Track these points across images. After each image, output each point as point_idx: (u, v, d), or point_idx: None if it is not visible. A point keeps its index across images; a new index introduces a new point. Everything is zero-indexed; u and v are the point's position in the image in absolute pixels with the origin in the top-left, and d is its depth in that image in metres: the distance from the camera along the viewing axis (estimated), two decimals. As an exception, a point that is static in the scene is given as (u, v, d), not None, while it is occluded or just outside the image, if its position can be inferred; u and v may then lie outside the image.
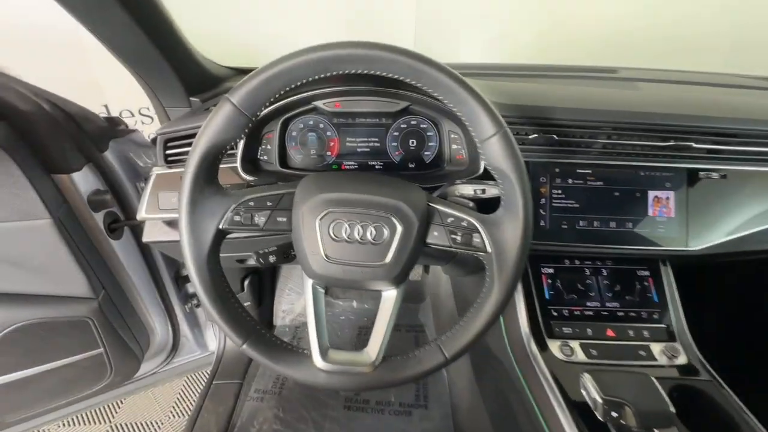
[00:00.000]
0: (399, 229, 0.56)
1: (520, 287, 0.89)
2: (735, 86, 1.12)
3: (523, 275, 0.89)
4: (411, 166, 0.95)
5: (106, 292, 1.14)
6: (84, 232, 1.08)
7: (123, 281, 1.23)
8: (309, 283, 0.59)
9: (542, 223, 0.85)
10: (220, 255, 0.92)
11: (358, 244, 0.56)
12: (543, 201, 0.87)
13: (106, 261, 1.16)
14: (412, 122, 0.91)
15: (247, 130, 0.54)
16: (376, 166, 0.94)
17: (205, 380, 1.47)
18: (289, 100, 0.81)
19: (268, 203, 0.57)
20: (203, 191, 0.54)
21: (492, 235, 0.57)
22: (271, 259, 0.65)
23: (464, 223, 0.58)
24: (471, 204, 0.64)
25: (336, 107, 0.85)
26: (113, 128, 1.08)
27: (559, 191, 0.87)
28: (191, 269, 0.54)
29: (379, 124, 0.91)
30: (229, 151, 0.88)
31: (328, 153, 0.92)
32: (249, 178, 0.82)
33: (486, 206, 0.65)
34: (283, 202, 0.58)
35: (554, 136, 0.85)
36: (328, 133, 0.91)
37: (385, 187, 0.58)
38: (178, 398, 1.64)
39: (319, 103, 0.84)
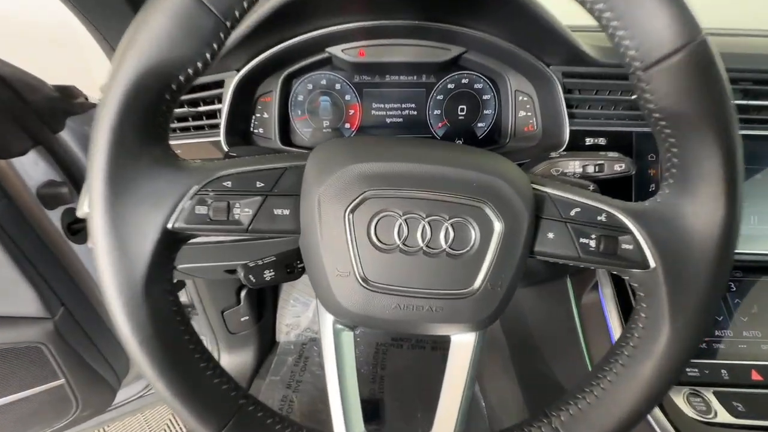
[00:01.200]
0: (497, 228, 0.31)
1: (613, 306, 0.64)
2: None
3: (620, 288, 0.64)
4: (458, 142, 0.70)
5: (67, 309, 0.90)
6: (34, 235, 0.84)
7: (91, 294, 1.00)
8: (329, 322, 0.35)
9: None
10: (201, 264, 0.68)
11: (423, 257, 0.31)
12: (653, 186, 0.62)
13: (66, 270, 0.92)
14: (464, 81, 0.66)
15: (217, 47, 0.29)
16: (412, 143, 0.70)
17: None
18: (293, 42, 0.56)
19: (258, 184, 0.32)
20: (137, 156, 0.30)
21: (657, 237, 0.32)
22: (268, 276, 0.41)
23: (602, 217, 0.33)
24: (591, 185, 0.39)
25: (360, 56, 0.60)
26: (68, 101, 0.84)
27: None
28: (115, 308, 0.29)
29: (418, 83, 0.66)
30: (210, 121, 0.65)
31: (346, 125, 0.68)
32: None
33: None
34: (284, 183, 0.33)
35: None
36: (347, 98, 0.66)
37: (461, 154, 0.34)
38: (168, 424, 1.41)
39: (336, 50, 0.60)
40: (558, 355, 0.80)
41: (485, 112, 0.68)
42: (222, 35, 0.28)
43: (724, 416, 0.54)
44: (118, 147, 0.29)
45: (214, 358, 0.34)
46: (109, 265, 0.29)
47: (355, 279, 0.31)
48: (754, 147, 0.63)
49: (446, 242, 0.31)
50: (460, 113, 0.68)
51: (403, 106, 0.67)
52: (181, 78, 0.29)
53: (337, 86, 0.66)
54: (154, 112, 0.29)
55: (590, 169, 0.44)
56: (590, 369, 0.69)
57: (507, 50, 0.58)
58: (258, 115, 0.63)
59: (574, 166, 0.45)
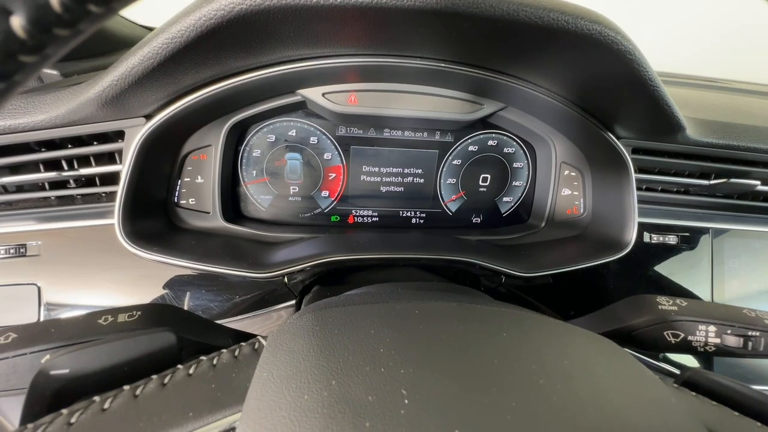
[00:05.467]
0: None
1: None
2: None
3: None
4: (475, 220, 0.52)
5: None
6: None
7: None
8: None
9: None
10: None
11: None
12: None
13: None
14: (491, 142, 0.48)
15: None
16: (414, 220, 0.50)
17: None
18: (243, 81, 0.34)
19: None
20: None
21: None
22: None
23: None
24: None
25: (350, 104, 0.40)
26: None
27: None
28: None
29: (429, 142, 0.47)
30: (107, 188, 0.40)
31: (323, 193, 0.47)
32: (144, 253, 0.35)
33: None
34: None
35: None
36: (327, 156, 0.46)
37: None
38: None
39: (313, 94, 0.39)
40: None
41: (515, 183, 0.50)
42: None
43: None
44: None
45: None
46: None
47: None
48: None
49: None
50: (481, 184, 0.50)
51: (406, 171, 0.48)
52: None
53: (313, 140, 0.45)
54: None
55: (732, 342, 0.27)
56: None
57: (563, 112, 0.40)
58: (187, 179, 0.41)
59: (705, 332, 0.27)
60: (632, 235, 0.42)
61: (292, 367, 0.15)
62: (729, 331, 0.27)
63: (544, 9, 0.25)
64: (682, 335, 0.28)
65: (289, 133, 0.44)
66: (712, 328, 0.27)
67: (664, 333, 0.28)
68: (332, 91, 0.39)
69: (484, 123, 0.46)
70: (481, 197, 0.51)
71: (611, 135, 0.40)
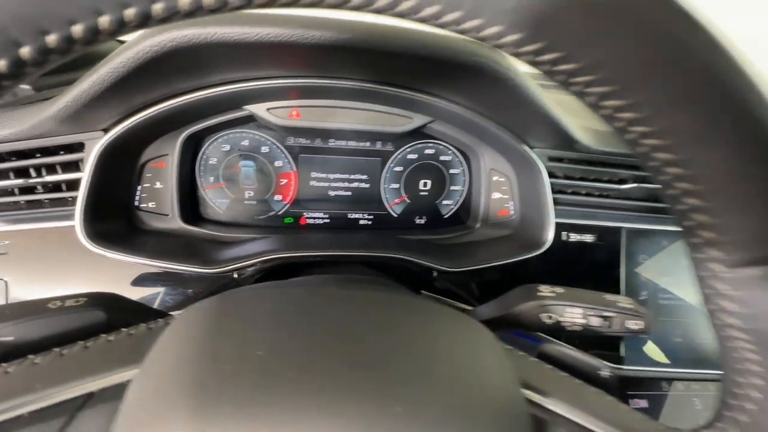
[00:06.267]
0: None
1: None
2: None
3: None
4: (419, 221, 0.57)
5: None
6: None
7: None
8: None
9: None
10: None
11: None
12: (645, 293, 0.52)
13: None
14: (428, 151, 0.53)
15: None
16: (361, 221, 0.55)
17: None
18: (193, 98, 0.39)
19: None
20: None
21: None
22: None
23: None
24: (606, 370, 0.26)
25: (292, 118, 0.45)
26: None
27: (670, 279, 0.52)
28: None
29: (372, 150, 0.52)
30: (71, 193, 0.45)
31: (277, 197, 0.52)
32: (105, 251, 0.39)
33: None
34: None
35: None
36: (278, 164, 0.51)
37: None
38: None
39: (259, 109, 0.44)
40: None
41: (452, 188, 0.56)
42: None
43: None
44: None
45: None
46: None
47: None
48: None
49: None
50: (422, 188, 0.55)
51: (352, 177, 0.53)
52: None
53: (264, 149, 0.50)
54: None
55: (595, 322, 0.32)
56: None
57: (482, 126, 0.45)
58: (146, 185, 0.46)
59: (572, 315, 0.32)
60: (549, 235, 0.48)
61: (187, 332, 0.20)
62: (591, 313, 0.32)
63: (427, 45, 0.30)
64: (555, 317, 0.33)
65: (242, 143, 0.49)
66: (578, 310, 0.32)
67: (540, 316, 0.33)
68: (276, 106, 0.44)
69: (421, 133, 0.51)
70: (422, 201, 0.56)
71: (525, 146, 0.46)
